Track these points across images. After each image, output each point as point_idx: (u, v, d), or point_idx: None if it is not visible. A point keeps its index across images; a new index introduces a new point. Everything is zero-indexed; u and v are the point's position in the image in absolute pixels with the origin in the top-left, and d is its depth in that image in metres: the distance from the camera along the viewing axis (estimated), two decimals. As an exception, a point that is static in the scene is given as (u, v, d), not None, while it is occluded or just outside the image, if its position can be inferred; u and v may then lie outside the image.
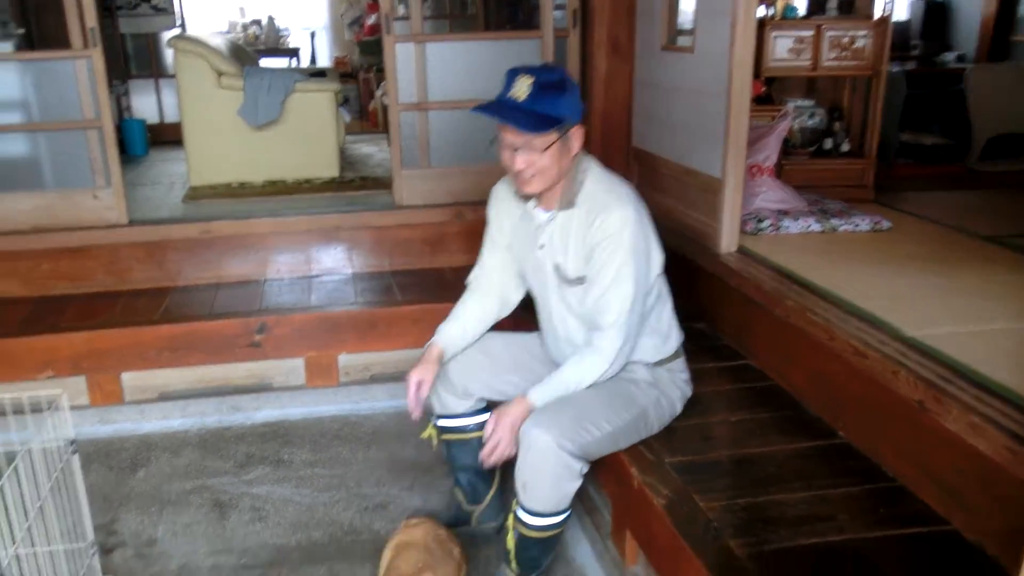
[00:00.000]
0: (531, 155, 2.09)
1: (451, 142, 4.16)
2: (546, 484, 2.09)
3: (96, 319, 3.58)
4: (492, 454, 2.13)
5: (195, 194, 4.79)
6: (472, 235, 4.09)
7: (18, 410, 2.38)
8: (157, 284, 3.96)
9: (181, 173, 5.44)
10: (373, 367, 3.68)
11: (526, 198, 2.25)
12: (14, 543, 1.92)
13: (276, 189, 4.87)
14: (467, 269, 3.98)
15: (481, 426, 2.37)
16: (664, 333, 2.30)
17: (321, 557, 2.60)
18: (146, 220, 4.07)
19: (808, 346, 2.38)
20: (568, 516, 2.20)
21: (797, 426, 2.34)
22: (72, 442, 2.31)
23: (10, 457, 2.03)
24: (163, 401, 3.54)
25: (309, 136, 5.00)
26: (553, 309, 2.31)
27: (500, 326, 2.55)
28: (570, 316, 2.27)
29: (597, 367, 2.15)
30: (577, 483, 2.13)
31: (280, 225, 4.06)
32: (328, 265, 4.13)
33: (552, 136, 2.08)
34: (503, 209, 2.41)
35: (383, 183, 4.70)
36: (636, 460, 2.20)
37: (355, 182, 4.99)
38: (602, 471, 2.49)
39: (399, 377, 3.60)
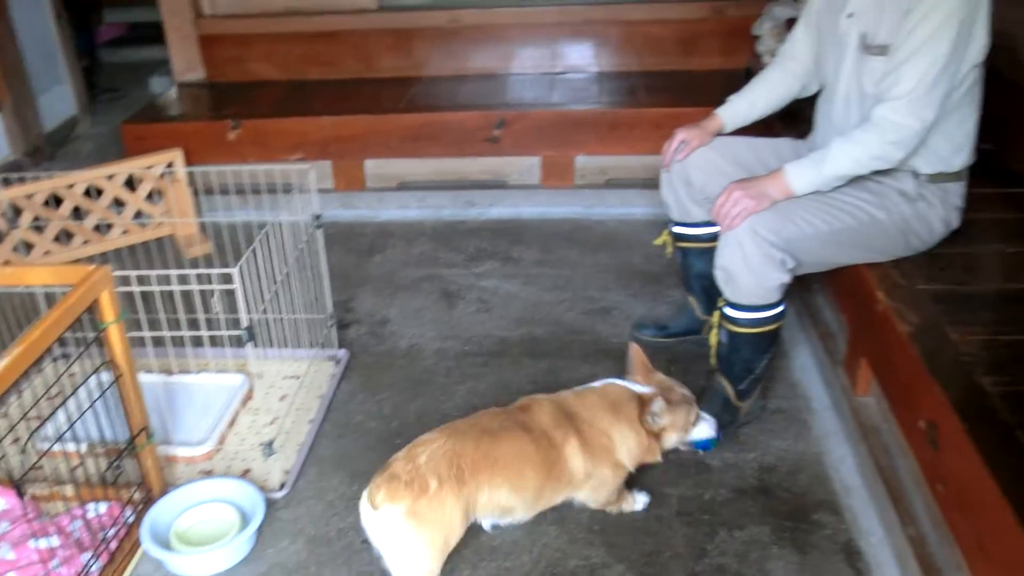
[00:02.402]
0: None
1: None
2: (745, 273, 2.06)
3: (344, 105, 3.83)
4: (725, 216, 2.06)
5: (444, -18, 4.85)
6: (730, 35, 3.91)
7: (270, 187, 2.65)
8: (402, 73, 4.14)
9: (431, -39, 5.51)
10: (610, 171, 3.68)
11: None
12: (262, 306, 2.18)
13: (526, -21, 4.82)
14: (721, 74, 3.89)
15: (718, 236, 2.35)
16: (957, 144, 2.09)
17: (542, 352, 2.75)
18: (395, 6, 4.21)
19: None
20: (780, 313, 2.17)
21: (1089, 264, 2.11)
22: (317, 217, 2.55)
23: (262, 229, 2.27)
24: (402, 191, 3.78)
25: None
26: (839, 94, 2.16)
27: (750, 134, 2.45)
28: (857, 102, 2.11)
29: (872, 143, 1.96)
30: (783, 276, 2.07)
31: (527, 16, 4.06)
32: (573, 62, 4.11)
33: None
34: None
35: (638, -26, 4.52)
36: (883, 282, 2.09)
37: (608, -26, 4.83)
38: (841, 292, 2.41)
39: (635, 184, 3.64)
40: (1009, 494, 1.44)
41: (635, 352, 2.06)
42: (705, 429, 2.03)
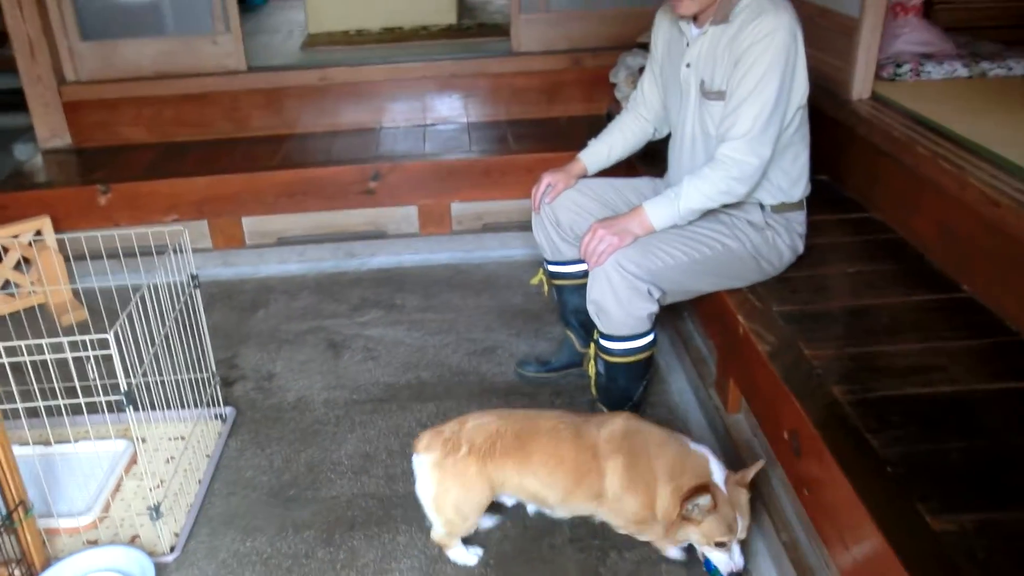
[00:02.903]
0: None
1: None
2: (615, 305, 2.15)
3: (217, 165, 3.79)
4: (592, 253, 2.15)
5: (313, 41, 4.90)
6: (590, 84, 4.06)
7: (144, 250, 2.59)
8: (275, 131, 4.12)
9: (299, 21, 5.55)
10: (485, 216, 3.76)
11: (681, 17, 2.21)
12: (141, 369, 2.12)
13: (393, 36, 4.92)
14: (584, 119, 4.04)
15: (588, 273, 2.44)
16: (794, 178, 2.25)
17: (430, 396, 2.77)
18: (265, 67, 4.21)
19: (937, 196, 2.28)
20: (651, 342, 2.26)
21: (918, 279, 2.28)
22: (194, 276, 2.51)
23: (137, 292, 2.22)
24: (281, 246, 3.75)
25: (426, -19, 5.00)
26: (687, 135, 2.29)
27: (614, 174, 2.57)
28: (703, 142, 2.24)
29: (718, 179, 2.08)
30: (650, 306, 2.17)
31: (395, 72, 4.12)
32: (443, 113, 4.18)
33: None
34: (661, 27, 2.40)
35: (501, 30, 4.66)
36: (742, 307, 2.21)
37: (472, 29, 4.99)
38: (708, 319, 2.53)
39: (511, 227, 3.73)
40: (861, 493, 1.55)
41: (757, 465, 1.95)
42: (723, 558, 1.91)
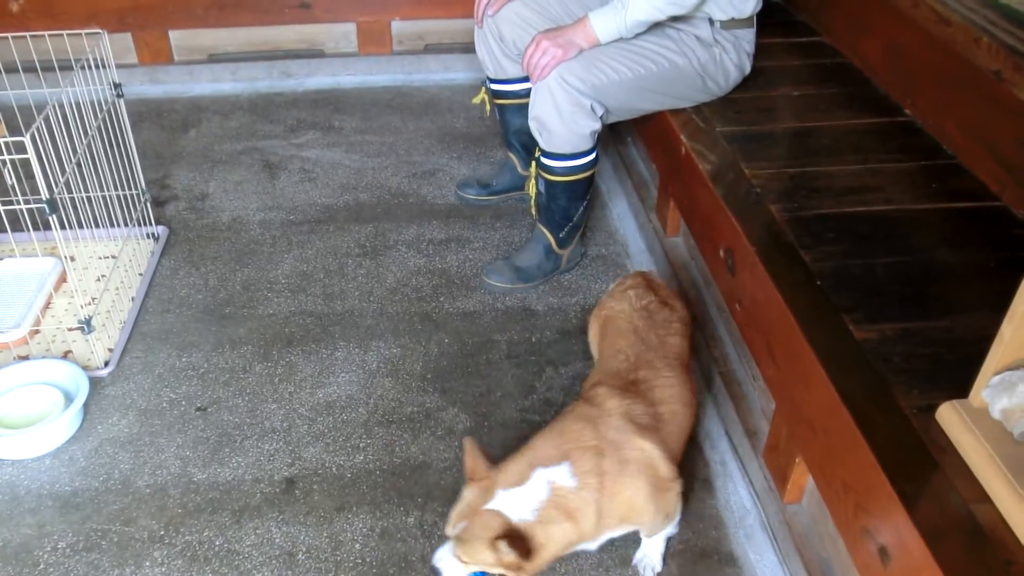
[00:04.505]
0: None
1: None
2: (558, 121, 2.13)
3: (140, -28, 3.56)
4: (535, 66, 2.10)
5: None
6: None
7: (64, 63, 2.45)
8: (201, -62, 3.87)
9: None
10: (427, 36, 3.63)
11: None
12: (63, 177, 2.05)
13: None
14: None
15: (533, 91, 2.39)
16: None
17: (368, 217, 2.75)
18: None
19: (889, 15, 2.26)
20: (593, 161, 2.25)
21: (863, 102, 2.28)
22: (117, 85, 2.40)
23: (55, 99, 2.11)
24: (213, 63, 3.60)
25: None
26: None
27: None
28: None
29: None
30: (593, 123, 2.15)
31: None
32: (383, -77, 3.95)
33: None
34: None
35: None
36: (685, 127, 2.21)
37: None
38: (652, 141, 2.52)
39: (454, 48, 3.62)
40: (791, 304, 1.60)
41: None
42: None
